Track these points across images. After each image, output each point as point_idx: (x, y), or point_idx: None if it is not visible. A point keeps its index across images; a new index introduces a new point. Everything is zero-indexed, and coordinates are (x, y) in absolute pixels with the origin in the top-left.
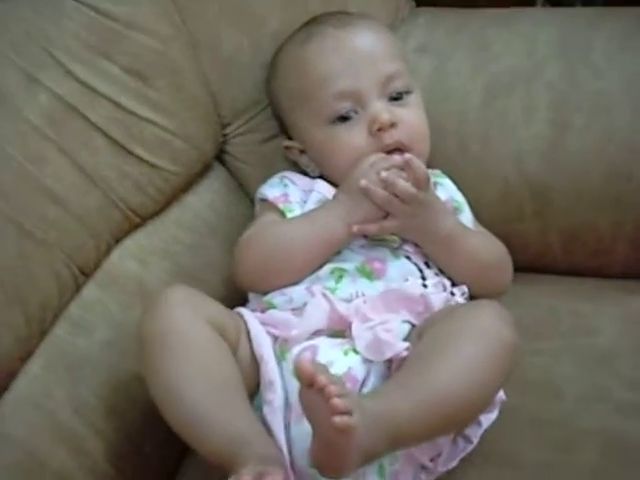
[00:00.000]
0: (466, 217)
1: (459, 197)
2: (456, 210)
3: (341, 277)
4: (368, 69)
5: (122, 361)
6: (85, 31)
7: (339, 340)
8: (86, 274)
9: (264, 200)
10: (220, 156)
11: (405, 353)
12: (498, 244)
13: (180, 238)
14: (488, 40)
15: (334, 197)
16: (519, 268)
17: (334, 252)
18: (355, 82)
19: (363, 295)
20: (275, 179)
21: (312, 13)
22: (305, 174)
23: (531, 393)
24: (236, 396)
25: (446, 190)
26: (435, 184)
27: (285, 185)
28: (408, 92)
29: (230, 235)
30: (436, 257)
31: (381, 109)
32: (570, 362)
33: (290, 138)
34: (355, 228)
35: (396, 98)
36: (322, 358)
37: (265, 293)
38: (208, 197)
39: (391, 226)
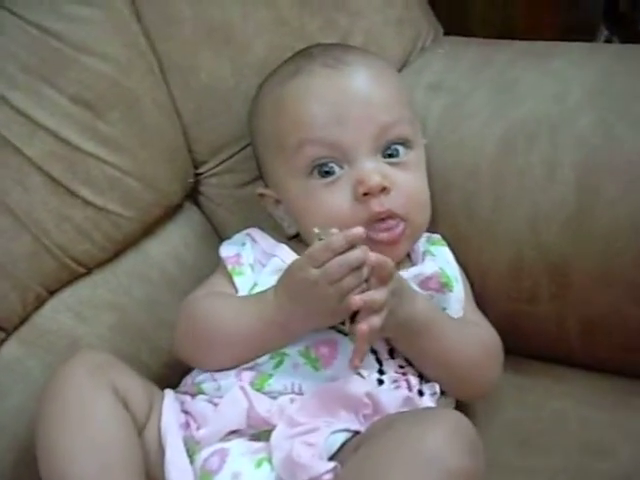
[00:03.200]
0: (455, 297)
1: (452, 271)
2: (443, 286)
3: (280, 363)
4: (359, 118)
5: (31, 431)
6: (25, 52)
7: (259, 445)
8: (6, 330)
9: (220, 257)
10: (195, 197)
11: (328, 477)
12: (485, 338)
13: (131, 291)
14: (513, 79)
15: (274, 290)
16: (528, 355)
17: (273, 348)
18: (340, 133)
19: (299, 389)
20: (239, 235)
21: (308, 38)
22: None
23: None
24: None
25: (436, 262)
26: (424, 253)
27: (243, 244)
28: (408, 147)
29: (192, 290)
30: (402, 350)
31: (371, 169)
32: None
33: (267, 185)
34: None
35: (392, 154)
36: (229, 467)
37: (200, 373)
38: (172, 244)
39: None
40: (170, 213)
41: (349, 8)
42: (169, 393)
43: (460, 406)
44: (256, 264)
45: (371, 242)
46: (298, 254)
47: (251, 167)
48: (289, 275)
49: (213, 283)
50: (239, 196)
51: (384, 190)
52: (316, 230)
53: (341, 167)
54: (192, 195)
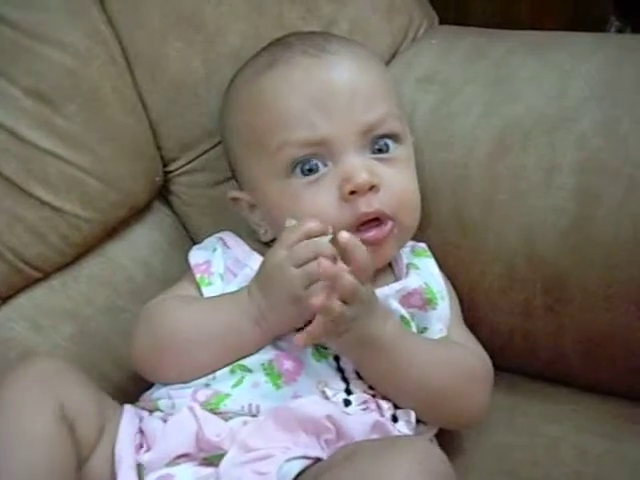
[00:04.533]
0: (438, 315)
1: (437, 286)
2: (427, 303)
3: (240, 382)
4: (344, 111)
5: None
6: None
7: (208, 471)
8: None
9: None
10: (165, 197)
11: None
12: (469, 361)
13: (92, 298)
14: (510, 72)
15: (247, 288)
16: (523, 374)
17: (241, 354)
18: (324, 128)
19: (257, 410)
20: (210, 239)
21: (287, 28)
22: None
23: None
24: None
25: (421, 276)
26: (408, 266)
27: (214, 250)
28: (397, 142)
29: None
30: (367, 375)
31: (358, 166)
32: None
33: (241, 187)
34: (299, 337)
35: (381, 149)
36: None
37: (159, 388)
38: (139, 248)
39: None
40: (137, 214)
41: None
42: (128, 410)
43: (445, 429)
44: (227, 273)
45: None
46: None
47: (225, 165)
48: (262, 263)
49: (180, 288)
50: (212, 196)
51: (372, 188)
52: (293, 222)
53: (325, 164)
54: (162, 195)
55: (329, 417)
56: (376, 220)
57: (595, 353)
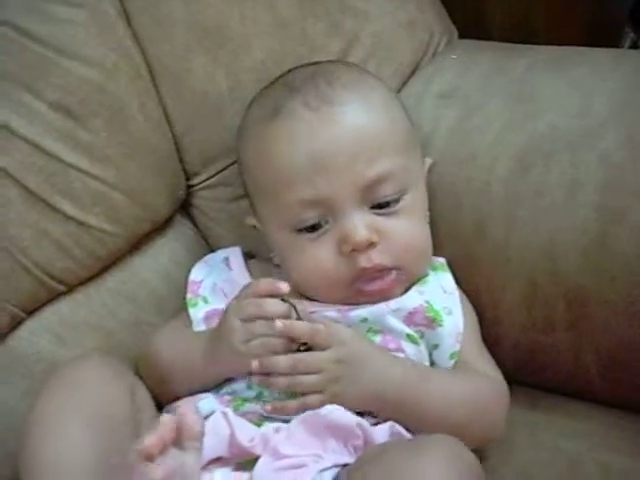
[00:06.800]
0: (448, 331)
1: (442, 303)
2: (432, 322)
3: (262, 393)
4: (344, 171)
5: (4, 465)
6: (3, 56)
7: (244, 476)
8: None
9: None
10: (187, 210)
11: None
12: (484, 390)
13: (116, 311)
14: (532, 89)
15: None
16: (544, 389)
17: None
18: (326, 188)
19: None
20: (218, 254)
21: (310, 42)
22: None
23: None
24: None
25: (423, 294)
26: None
27: (210, 268)
28: (399, 198)
29: (182, 312)
30: (387, 418)
31: (356, 225)
32: None
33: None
34: (268, 408)
35: (381, 206)
36: None
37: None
38: (161, 261)
39: (316, 401)
40: (159, 228)
41: (356, 9)
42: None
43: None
44: (215, 293)
45: (358, 293)
46: None
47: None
48: (223, 328)
49: (179, 315)
50: (233, 210)
51: (371, 245)
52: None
53: (326, 221)
54: (184, 208)
55: (359, 424)
56: (379, 271)
57: (616, 368)
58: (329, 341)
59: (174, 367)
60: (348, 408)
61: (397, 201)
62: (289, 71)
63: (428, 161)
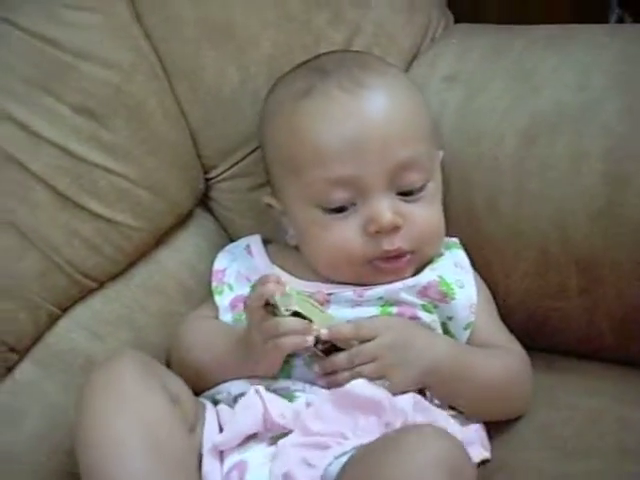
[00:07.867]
0: (462, 304)
1: (454, 276)
2: (445, 296)
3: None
4: (377, 152)
5: (52, 458)
6: (24, 63)
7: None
8: (18, 351)
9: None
10: (205, 203)
11: None
12: (511, 364)
13: (146, 304)
14: (532, 67)
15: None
16: (559, 351)
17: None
18: (358, 168)
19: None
20: (239, 243)
21: (316, 33)
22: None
23: None
24: None
25: (435, 270)
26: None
27: (232, 256)
28: (424, 186)
29: (209, 300)
30: (438, 395)
31: (384, 208)
32: None
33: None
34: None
35: (406, 193)
36: None
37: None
38: (185, 253)
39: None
40: (182, 221)
41: None
42: (208, 403)
43: None
44: (239, 280)
45: (375, 269)
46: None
47: (262, 170)
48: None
49: (205, 303)
50: (251, 200)
51: (396, 229)
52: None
53: (354, 203)
54: (203, 201)
55: (389, 399)
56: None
57: (628, 329)
58: (375, 331)
59: (206, 366)
60: (408, 387)
61: (421, 189)
62: (315, 57)
63: (440, 154)
